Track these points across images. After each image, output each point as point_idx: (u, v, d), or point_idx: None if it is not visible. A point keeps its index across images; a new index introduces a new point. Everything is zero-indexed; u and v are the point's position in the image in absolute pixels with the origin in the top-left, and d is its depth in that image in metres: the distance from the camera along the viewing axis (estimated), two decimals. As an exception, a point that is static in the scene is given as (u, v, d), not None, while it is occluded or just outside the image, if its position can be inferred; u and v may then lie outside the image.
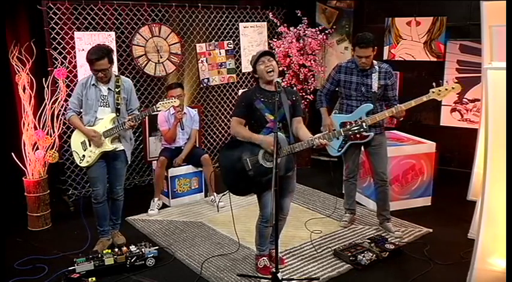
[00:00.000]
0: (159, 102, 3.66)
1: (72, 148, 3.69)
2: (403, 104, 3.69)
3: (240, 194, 3.38)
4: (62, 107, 4.22)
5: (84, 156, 3.60)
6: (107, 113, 3.58)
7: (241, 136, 3.14)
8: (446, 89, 3.59)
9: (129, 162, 3.81)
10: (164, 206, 4.67)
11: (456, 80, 5.08)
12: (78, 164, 3.66)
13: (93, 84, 3.55)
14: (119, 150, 3.64)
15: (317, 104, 4.04)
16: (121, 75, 3.73)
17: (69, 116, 3.62)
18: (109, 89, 3.56)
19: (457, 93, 5.15)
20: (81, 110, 3.61)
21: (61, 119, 4.24)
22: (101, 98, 3.56)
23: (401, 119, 3.88)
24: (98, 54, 3.39)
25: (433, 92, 3.61)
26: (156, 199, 4.58)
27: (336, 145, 3.97)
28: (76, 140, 3.66)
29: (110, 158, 3.65)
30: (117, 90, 3.57)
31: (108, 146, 3.57)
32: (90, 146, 3.59)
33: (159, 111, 3.74)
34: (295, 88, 5.75)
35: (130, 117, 3.56)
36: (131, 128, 3.59)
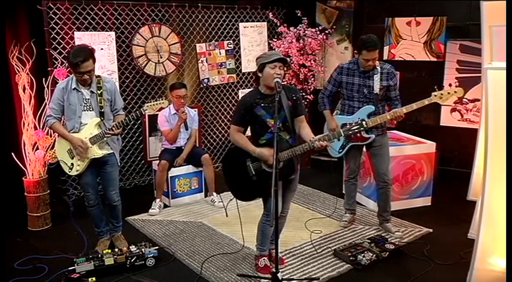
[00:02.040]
0: (147, 104, 3.49)
1: (59, 157, 3.53)
2: (405, 107, 3.67)
3: (246, 200, 3.34)
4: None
5: (72, 164, 3.46)
6: (91, 117, 3.42)
7: (238, 145, 3.10)
8: (448, 93, 3.59)
9: (120, 164, 3.67)
10: (164, 206, 4.67)
11: (457, 82, 5.09)
12: (68, 173, 3.52)
13: (75, 88, 3.36)
14: (108, 154, 3.50)
15: (320, 107, 4.01)
16: (102, 75, 3.55)
17: (50, 123, 3.43)
18: (91, 91, 3.39)
19: (457, 93, 5.16)
20: (61, 116, 3.45)
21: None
22: (84, 102, 3.39)
23: (400, 119, 3.86)
24: (83, 56, 3.21)
25: (435, 95, 3.60)
26: (158, 200, 4.58)
27: (337, 146, 3.97)
28: (61, 148, 3.49)
29: (100, 164, 3.51)
30: (99, 92, 3.40)
31: (97, 152, 3.43)
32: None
33: (147, 113, 3.56)
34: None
35: (114, 123, 3.42)
36: (115, 135, 3.45)
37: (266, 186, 3.03)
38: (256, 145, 3.08)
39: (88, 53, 3.25)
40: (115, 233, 3.80)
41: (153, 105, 3.50)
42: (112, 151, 3.55)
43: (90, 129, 3.42)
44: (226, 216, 4.19)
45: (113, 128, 3.40)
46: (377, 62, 3.77)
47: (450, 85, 4.10)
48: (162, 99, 3.55)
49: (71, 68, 3.30)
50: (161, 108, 3.64)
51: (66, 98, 3.38)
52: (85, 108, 3.41)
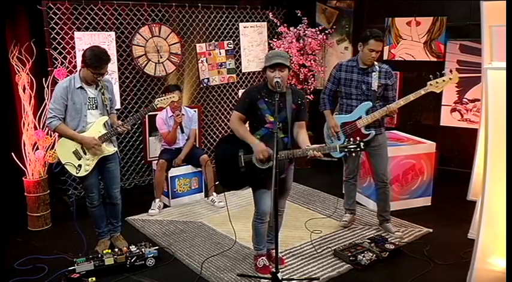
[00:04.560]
0: (157, 99, 3.55)
1: (64, 160, 3.40)
2: (402, 98, 3.68)
3: (229, 188, 3.39)
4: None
5: (80, 165, 3.41)
6: (96, 116, 3.43)
7: (238, 133, 3.12)
8: (443, 80, 3.58)
9: (120, 163, 3.67)
10: (164, 206, 4.67)
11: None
12: (75, 174, 3.44)
13: (79, 87, 3.36)
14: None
15: (320, 107, 4.01)
16: None
17: (55, 125, 3.34)
18: (98, 90, 3.42)
19: (457, 93, 5.16)
20: (64, 116, 3.41)
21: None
22: (88, 101, 3.39)
23: (396, 113, 3.85)
24: (107, 59, 3.29)
25: (431, 84, 3.60)
26: (157, 200, 4.58)
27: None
28: (66, 150, 3.41)
29: (104, 162, 3.51)
30: (102, 91, 3.43)
31: (108, 150, 3.46)
32: (85, 153, 3.40)
33: (158, 107, 3.61)
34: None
35: (123, 122, 3.43)
36: (126, 130, 3.47)
37: (252, 179, 3.09)
38: None
39: (109, 57, 3.34)
40: (114, 233, 3.79)
41: (164, 99, 3.57)
42: (116, 149, 3.58)
43: (98, 128, 3.42)
44: (227, 209, 4.19)
45: (123, 125, 3.43)
46: (375, 61, 3.78)
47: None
48: (173, 94, 3.64)
49: (90, 67, 3.27)
50: (172, 102, 3.72)
51: (70, 97, 3.36)
52: (90, 107, 3.42)
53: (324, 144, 3.06)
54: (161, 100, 3.56)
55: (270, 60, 3.02)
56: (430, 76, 3.61)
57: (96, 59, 3.26)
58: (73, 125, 3.40)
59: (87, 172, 3.45)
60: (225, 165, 3.23)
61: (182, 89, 4.92)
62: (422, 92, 3.62)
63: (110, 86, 3.55)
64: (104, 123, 3.45)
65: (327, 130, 4.01)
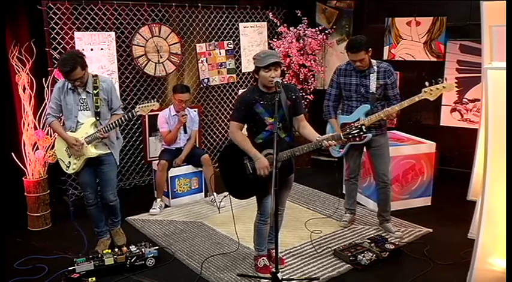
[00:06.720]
0: (138, 106, 3.45)
1: (58, 155, 3.60)
2: (397, 104, 3.69)
3: (241, 198, 3.33)
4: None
5: (70, 162, 3.50)
6: (88, 116, 3.42)
7: (240, 145, 3.07)
8: (437, 89, 3.59)
9: (118, 164, 3.64)
10: (164, 206, 4.67)
11: (457, 82, 5.09)
12: (65, 171, 3.58)
13: (71, 89, 3.36)
14: (105, 153, 3.50)
15: (325, 115, 3.99)
16: (100, 74, 3.52)
17: (49, 122, 3.49)
18: (87, 92, 3.38)
19: (457, 93, 5.16)
20: (61, 115, 3.49)
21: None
22: (80, 102, 3.39)
23: (394, 118, 3.85)
24: (70, 66, 3.17)
25: (425, 91, 3.60)
26: (158, 200, 4.59)
27: (336, 146, 3.96)
28: (60, 147, 3.55)
29: (97, 163, 3.51)
30: (95, 92, 3.39)
31: (91, 152, 3.43)
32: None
33: (139, 115, 3.54)
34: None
35: (101, 127, 3.39)
36: (102, 139, 3.41)
37: (262, 184, 3.05)
38: (252, 144, 3.06)
39: (75, 62, 3.20)
40: (114, 228, 3.82)
41: (144, 107, 3.46)
42: (109, 151, 3.53)
43: (85, 129, 3.42)
44: (219, 212, 4.21)
45: (102, 131, 3.37)
46: (374, 61, 3.78)
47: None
48: (153, 101, 3.48)
49: (62, 75, 3.30)
50: (152, 110, 3.56)
51: (63, 98, 3.40)
52: (81, 108, 3.41)
53: (336, 133, 3.01)
54: (141, 107, 3.45)
55: (264, 60, 2.93)
56: (426, 83, 3.60)
57: (60, 66, 3.24)
58: (67, 124, 3.46)
59: (74, 170, 3.51)
60: (232, 174, 3.19)
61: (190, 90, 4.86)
62: (416, 98, 3.62)
63: (107, 86, 3.46)
64: (93, 124, 3.43)
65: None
